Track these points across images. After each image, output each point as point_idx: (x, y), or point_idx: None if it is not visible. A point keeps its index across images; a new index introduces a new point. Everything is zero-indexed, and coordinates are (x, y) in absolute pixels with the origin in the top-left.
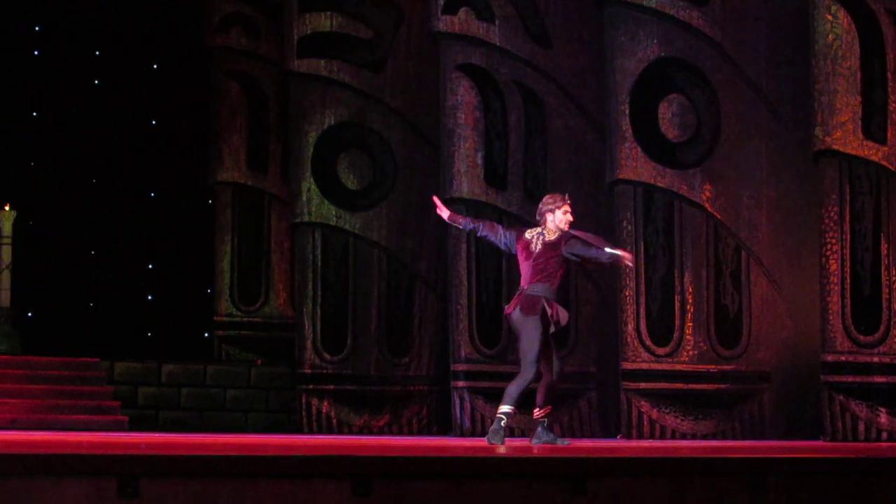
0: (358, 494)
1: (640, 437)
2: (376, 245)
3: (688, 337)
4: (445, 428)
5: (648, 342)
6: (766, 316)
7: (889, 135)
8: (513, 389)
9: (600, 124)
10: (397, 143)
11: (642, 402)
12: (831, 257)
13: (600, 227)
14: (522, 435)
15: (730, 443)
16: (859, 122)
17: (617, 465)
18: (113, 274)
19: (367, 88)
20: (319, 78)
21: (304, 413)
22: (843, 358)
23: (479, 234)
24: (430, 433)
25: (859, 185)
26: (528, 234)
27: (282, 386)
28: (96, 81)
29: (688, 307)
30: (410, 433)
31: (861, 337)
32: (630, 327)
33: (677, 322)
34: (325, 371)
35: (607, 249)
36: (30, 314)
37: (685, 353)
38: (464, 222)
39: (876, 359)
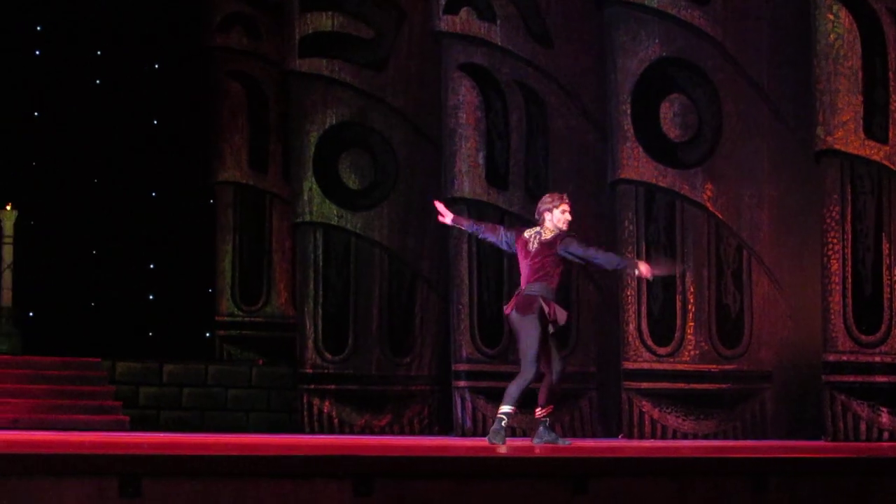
0: (359, 494)
1: (642, 436)
2: (378, 245)
3: (689, 337)
4: (447, 428)
5: (650, 342)
6: (767, 316)
7: (891, 134)
8: (513, 389)
9: (602, 124)
10: (399, 143)
11: (644, 402)
12: (833, 257)
13: (602, 227)
14: (524, 435)
15: (731, 443)
16: (861, 122)
17: (618, 465)
18: (114, 274)
19: (368, 88)
20: (321, 77)
21: (305, 413)
22: (844, 358)
23: (481, 237)
24: (431, 433)
25: (861, 185)
26: (526, 234)
27: (283, 386)
28: (97, 81)
29: (689, 307)
30: (412, 433)
31: (862, 337)
32: (631, 327)
33: (679, 322)
34: (326, 371)
35: (627, 258)
36: (31, 314)
37: (686, 353)
38: (467, 225)
39: (877, 358)
